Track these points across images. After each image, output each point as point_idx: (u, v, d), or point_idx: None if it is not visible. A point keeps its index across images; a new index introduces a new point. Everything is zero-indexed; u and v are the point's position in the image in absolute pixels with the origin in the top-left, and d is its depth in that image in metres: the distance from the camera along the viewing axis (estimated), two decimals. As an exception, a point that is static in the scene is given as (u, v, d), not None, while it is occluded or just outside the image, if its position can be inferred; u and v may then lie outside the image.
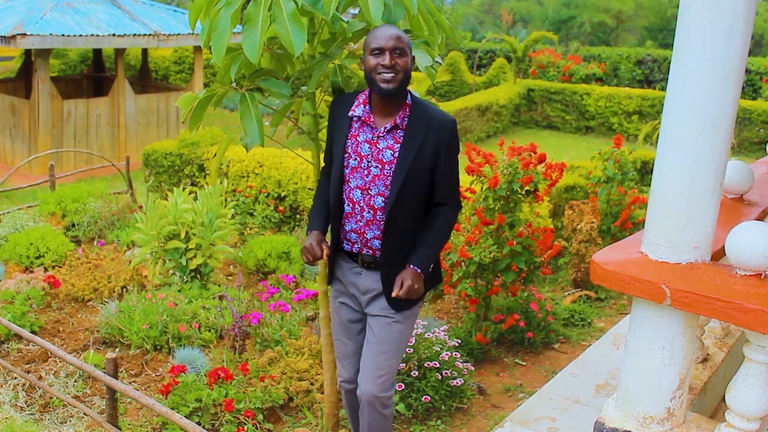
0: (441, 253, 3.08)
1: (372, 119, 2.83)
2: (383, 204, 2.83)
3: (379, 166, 2.82)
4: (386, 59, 2.69)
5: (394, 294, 2.82)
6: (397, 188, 2.79)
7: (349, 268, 3.01)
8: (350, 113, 2.86)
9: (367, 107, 2.84)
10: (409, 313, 2.98)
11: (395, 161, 2.80)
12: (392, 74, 2.70)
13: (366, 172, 2.84)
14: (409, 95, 2.84)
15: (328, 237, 3.06)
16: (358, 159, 2.84)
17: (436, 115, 2.82)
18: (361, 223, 2.89)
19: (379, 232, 2.87)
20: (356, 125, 2.86)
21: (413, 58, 2.82)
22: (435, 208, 2.92)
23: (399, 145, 2.80)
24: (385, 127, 2.80)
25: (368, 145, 2.83)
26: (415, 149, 2.77)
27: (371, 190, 2.84)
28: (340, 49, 3.11)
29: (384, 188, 2.82)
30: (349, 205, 2.90)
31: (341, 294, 3.09)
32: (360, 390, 2.98)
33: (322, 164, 3.16)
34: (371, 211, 2.86)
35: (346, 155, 2.87)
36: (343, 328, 3.12)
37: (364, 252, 2.93)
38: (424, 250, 2.88)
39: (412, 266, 2.86)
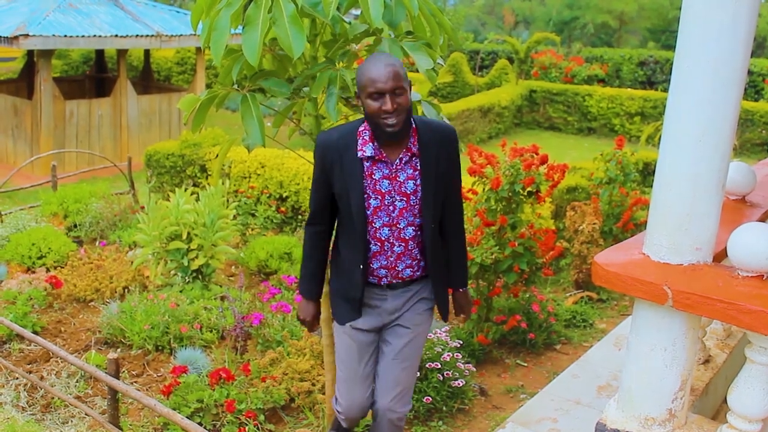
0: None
1: (385, 155, 2.67)
2: (414, 233, 2.76)
3: (404, 198, 2.70)
4: (388, 104, 2.53)
5: (463, 319, 3.11)
6: (430, 215, 2.73)
7: (370, 294, 2.86)
8: (359, 154, 2.67)
9: (376, 143, 2.66)
10: (428, 324, 2.99)
11: (420, 189, 2.70)
12: (396, 118, 2.56)
13: (391, 208, 2.71)
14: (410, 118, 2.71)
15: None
16: (380, 197, 2.70)
17: (440, 129, 2.76)
18: (392, 258, 2.78)
19: (411, 261, 2.80)
20: (368, 164, 2.68)
21: (410, 83, 2.64)
22: (449, 222, 2.87)
23: (418, 172, 2.69)
24: (402, 159, 2.67)
25: (388, 181, 2.69)
26: (434, 171, 2.70)
27: (400, 224, 2.73)
28: (345, 54, 3.11)
29: (413, 218, 2.73)
30: (376, 245, 2.76)
31: (366, 321, 2.89)
32: (378, 406, 2.91)
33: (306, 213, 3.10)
34: (402, 244, 2.76)
35: (366, 196, 2.69)
36: (353, 352, 2.91)
37: (394, 282, 2.84)
38: (462, 269, 3.00)
39: (461, 290, 3.03)
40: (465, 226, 3.07)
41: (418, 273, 2.84)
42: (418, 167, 2.70)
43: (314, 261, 2.94)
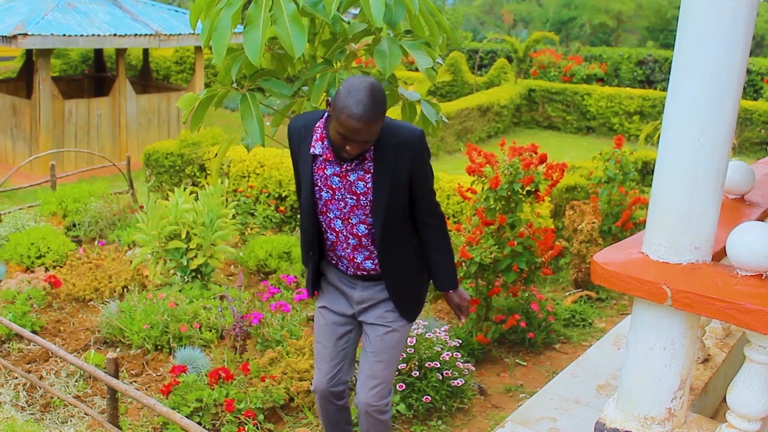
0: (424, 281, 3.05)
1: (332, 156, 2.67)
2: (367, 231, 2.78)
3: (354, 197, 2.72)
4: (353, 149, 2.54)
5: (462, 322, 3.04)
6: (381, 220, 2.71)
7: (342, 280, 2.94)
8: (311, 150, 2.70)
9: (326, 143, 2.66)
10: (405, 321, 2.97)
11: (370, 192, 2.69)
12: (354, 155, 2.58)
13: (342, 204, 2.74)
14: None
15: None
16: (331, 192, 2.74)
17: (404, 134, 2.66)
18: (348, 250, 2.84)
19: (368, 253, 2.83)
20: (320, 159, 2.71)
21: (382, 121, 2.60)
22: (424, 227, 2.86)
23: (370, 175, 2.68)
24: (352, 162, 2.67)
25: (338, 178, 2.70)
26: (390, 177, 2.65)
27: (351, 219, 2.76)
28: (343, 53, 3.11)
29: (364, 216, 2.74)
30: (332, 234, 2.83)
31: (329, 297, 3.02)
32: (357, 399, 2.96)
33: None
34: (356, 238, 2.80)
35: (317, 188, 2.75)
36: (325, 330, 3.02)
37: (358, 273, 2.89)
38: (449, 269, 2.97)
39: (451, 291, 2.99)
40: (464, 225, 3.07)
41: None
42: (371, 170, 2.68)
43: (305, 232, 2.99)
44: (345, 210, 2.75)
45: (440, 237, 2.90)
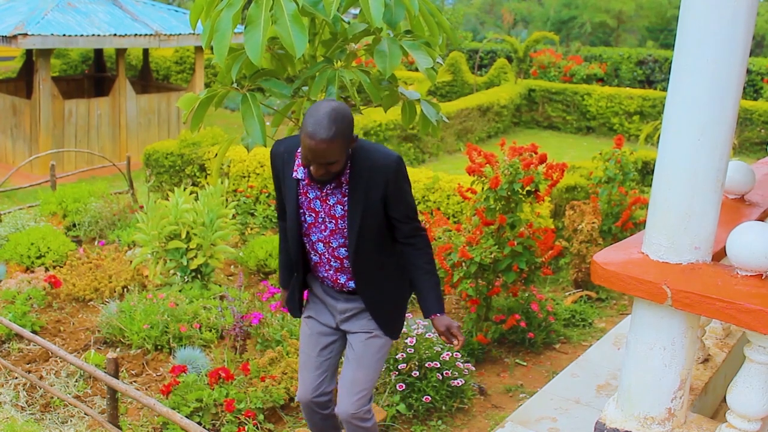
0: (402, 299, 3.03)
1: (312, 182, 2.73)
2: (347, 254, 2.82)
3: (333, 221, 2.78)
4: (317, 171, 2.59)
5: (457, 347, 2.93)
6: (354, 242, 2.76)
7: (327, 292, 2.99)
8: (293, 174, 2.77)
9: (307, 170, 2.72)
10: (389, 337, 3.00)
11: (346, 216, 2.75)
12: (324, 176, 2.62)
13: (323, 227, 2.81)
14: None
15: None
16: (314, 215, 2.80)
17: (378, 159, 2.70)
18: (330, 272, 2.90)
19: (351, 275, 2.88)
20: (303, 183, 2.78)
21: (354, 138, 2.63)
22: (407, 248, 2.87)
23: (347, 199, 2.73)
24: (330, 185, 2.73)
25: (319, 202, 2.77)
26: (363, 201, 2.71)
27: (332, 243, 2.82)
28: (343, 53, 3.11)
29: (343, 239, 2.80)
30: (315, 255, 2.89)
31: (315, 308, 3.06)
32: (338, 408, 2.98)
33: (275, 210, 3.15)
34: (338, 261, 2.85)
35: (301, 211, 2.82)
36: (310, 340, 3.06)
37: (343, 291, 2.94)
38: (434, 292, 2.90)
39: (438, 315, 2.90)
40: (464, 226, 3.07)
41: None
42: (347, 194, 2.73)
43: (285, 253, 3.07)
44: (326, 233, 2.82)
45: (423, 258, 2.89)
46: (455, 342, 2.89)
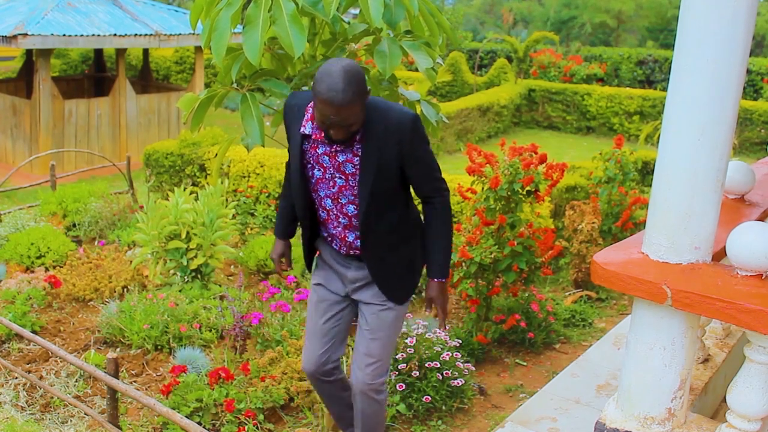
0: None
1: (322, 137, 2.68)
2: (356, 211, 2.78)
3: (343, 177, 2.73)
4: (336, 132, 2.55)
5: (439, 321, 2.87)
6: (366, 201, 2.70)
7: (336, 259, 2.96)
8: (301, 129, 2.72)
9: (316, 124, 2.66)
10: (393, 302, 2.94)
11: (357, 174, 2.70)
12: (341, 137, 2.58)
13: (331, 183, 2.76)
14: None
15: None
16: (322, 170, 2.76)
17: (393, 117, 2.64)
18: (339, 228, 2.86)
19: (359, 233, 2.83)
20: (311, 138, 2.73)
21: (368, 92, 2.57)
22: (424, 205, 2.83)
23: (358, 158, 2.68)
24: (342, 143, 2.68)
25: (328, 158, 2.72)
26: (376, 160, 2.65)
27: (341, 199, 2.78)
28: (343, 53, 3.11)
29: (353, 197, 2.75)
30: (323, 212, 2.86)
31: (324, 275, 3.02)
32: (353, 378, 2.95)
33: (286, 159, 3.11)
34: (346, 218, 2.82)
35: (309, 165, 2.78)
36: (319, 307, 3.02)
37: (351, 253, 2.89)
38: (437, 256, 2.83)
39: (435, 280, 2.84)
40: (464, 225, 3.05)
41: None
42: (359, 152, 2.68)
43: (289, 201, 3.06)
44: (334, 189, 2.77)
45: (438, 219, 2.83)
46: (432, 314, 2.83)
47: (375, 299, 2.91)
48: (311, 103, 2.71)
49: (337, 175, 2.74)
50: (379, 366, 2.92)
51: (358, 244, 2.85)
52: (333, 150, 2.71)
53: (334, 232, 2.88)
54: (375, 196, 2.71)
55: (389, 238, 2.83)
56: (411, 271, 2.95)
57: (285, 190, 3.12)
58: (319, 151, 2.74)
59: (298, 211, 2.92)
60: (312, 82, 2.53)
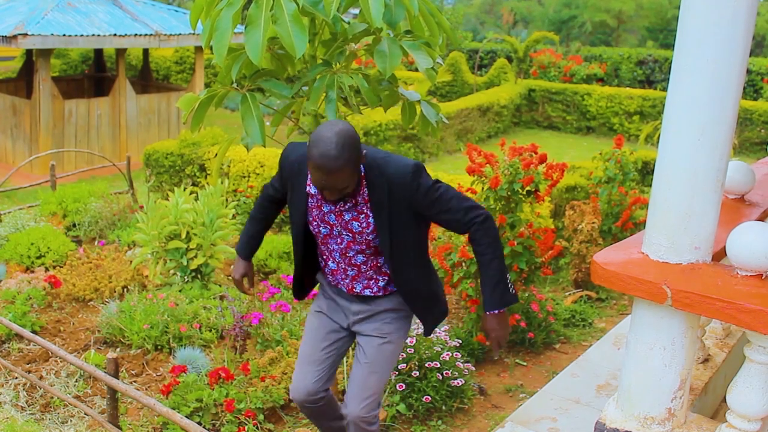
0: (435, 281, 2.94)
1: (326, 198, 2.66)
2: (366, 259, 2.80)
3: (350, 234, 2.75)
4: (329, 195, 2.56)
5: (497, 354, 2.84)
6: (389, 252, 2.72)
7: (340, 294, 2.96)
8: (306, 188, 2.73)
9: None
10: (402, 332, 2.97)
11: (365, 230, 2.71)
12: (334, 196, 2.58)
13: (339, 239, 2.78)
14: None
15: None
16: (329, 227, 2.77)
17: (393, 173, 2.63)
18: (347, 280, 2.87)
19: (368, 282, 2.85)
20: (316, 197, 2.75)
21: (363, 156, 2.56)
22: (469, 230, 2.72)
23: (364, 216, 2.70)
24: (345, 204, 2.69)
25: (334, 216, 2.74)
26: (387, 217, 2.65)
27: (349, 253, 2.80)
28: (343, 54, 3.11)
29: (361, 249, 2.77)
30: (333, 263, 2.87)
31: (327, 304, 3.03)
32: (348, 410, 2.94)
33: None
34: (354, 269, 2.84)
35: (315, 223, 2.79)
36: (318, 333, 3.01)
37: (355, 295, 2.92)
38: (486, 288, 2.72)
39: (489, 313, 2.73)
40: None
41: (380, 293, 2.88)
42: (364, 211, 2.70)
43: (256, 223, 3.09)
44: (342, 245, 2.79)
45: (481, 248, 2.69)
46: (494, 349, 2.79)
47: (376, 332, 2.91)
48: None
49: (345, 233, 2.75)
50: (374, 400, 2.94)
51: (366, 293, 2.88)
52: (338, 209, 2.71)
53: (341, 282, 2.90)
54: (398, 250, 2.72)
55: (416, 274, 2.83)
56: (437, 302, 2.97)
57: (257, 213, 3.09)
58: (324, 209, 2.74)
59: (295, 256, 2.95)
60: (308, 144, 2.53)
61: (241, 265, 3.12)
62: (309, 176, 2.70)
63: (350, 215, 2.71)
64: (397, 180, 2.63)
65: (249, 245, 3.13)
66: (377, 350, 2.90)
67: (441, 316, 2.99)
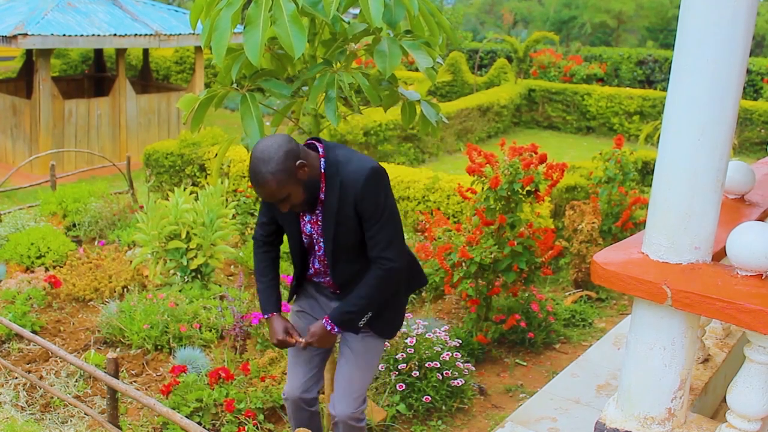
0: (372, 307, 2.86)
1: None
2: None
3: (323, 240, 2.80)
4: (281, 207, 2.62)
5: (303, 342, 2.84)
6: (331, 261, 2.80)
7: (321, 291, 3.02)
8: None
9: None
10: (383, 325, 2.98)
11: (321, 231, 2.77)
12: (285, 208, 2.63)
13: (317, 248, 2.85)
14: (321, 162, 2.66)
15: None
16: (308, 238, 2.85)
17: (348, 172, 2.64)
18: (327, 278, 2.94)
19: (335, 285, 2.93)
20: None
21: (301, 165, 2.56)
22: (372, 263, 2.75)
23: (319, 218, 2.76)
24: (315, 212, 2.77)
25: (310, 225, 2.82)
26: (334, 215, 2.69)
27: (326, 261, 2.86)
28: (343, 54, 3.11)
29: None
30: (312, 269, 2.95)
31: (308, 303, 3.07)
32: (335, 410, 2.96)
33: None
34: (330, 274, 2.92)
35: (301, 235, 2.85)
36: (303, 333, 3.02)
37: (336, 294, 2.97)
38: (343, 308, 2.79)
39: (323, 321, 2.82)
40: (464, 226, 3.05)
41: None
42: (320, 213, 2.76)
43: (266, 274, 2.99)
44: (320, 254, 2.85)
45: (369, 283, 2.75)
46: (306, 339, 2.84)
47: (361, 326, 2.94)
48: None
49: (321, 240, 2.80)
50: (360, 396, 2.98)
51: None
52: (314, 216, 2.77)
53: (322, 282, 2.97)
54: (339, 251, 2.76)
55: (354, 271, 2.83)
56: (396, 308, 2.99)
57: (261, 264, 2.98)
58: (306, 219, 2.83)
59: (294, 264, 2.97)
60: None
61: (277, 322, 2.90)
62: None
63: (309, 217, 2.79)
64: (350, 179, 2.64)
65: (272, 298, 2.96)
66: (361, 343, 2.95)
67: (396, 325, 3.01)
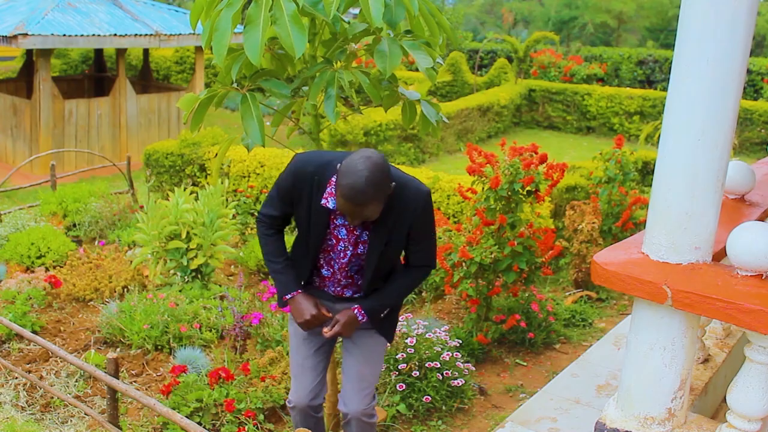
0: (397, 305, 3.04)
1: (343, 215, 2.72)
2: (358, 270, 2.89)
3: (353, 248, 2.83)
4: (352, 221, 2.62)
5: (326, 331, 2.83)
6: (372, 270, 2.82)
7: (323, 297, 2.99)
8: (323, 202, 2.72)
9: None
10: (388, 324, 3.02)
11: (367, 247, 2.79)
12: (357, 223, 2.66)
13: (343, 254, 2.84)
14: None
15: None
16: (335, 241, 2.83)
17: (407, 196, 2.70)
18: (338, 288, 2.94)
19: (357, 289, 2.93)
20: (332, 211, 2.77)
21: (390, 187, 2.59)
22: (409, 268, 2.92)
23: (368, 232, 2.78)
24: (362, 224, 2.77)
25: (345, 230, 2.80)
26: (386, 235, 2.74)
27: (348, 266, 2.87)
28: (343, 54, 3.10)
29: (361, 263, 2.86)
30: (327, 270, 2.91)
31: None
32: (347, 407, 2.97)
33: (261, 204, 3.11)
34: (349, 280, 2.91)
35: (325, 237, 2.82)
36: (307, 341, 3.02)
37: (342, 297, 2.96)
38: (377, 301, 2.87)
39: (356, 310, 2.84)
40: (464, 226, 3.07)
41: (363, 294, 2.96)
42: (370, 227, 2.77)
43: (283, 255, 2.94)
44: (344, 260, 2.85)
45: (410, 278, 2.91)
46: (328, 329, 2.83)
47: (364, 324, 2.94)
48: (333, 177, 2.71)
49: (350, 248, 2.82)
50: (371, 391, 3.02)
51: (354, 296, 2.94)
52: (348, 223, 2.77)
53: (332, 289, 2.94)
54: (381, 265, 2.82)
55: (382, 280, 2.93)
56: (397, 311, 3.07)
57: (271, 244, 2.93)
58: (338, 222, 2.80)
59: (305, 260, 2.91)
60: (338, 171, 2.54)
61: (305, 300, 2.84)
62: (327, 191, 2.72)
63: (360, 229, 2.79)
64: (410, 203, 2.71)
65: (291, 277, 2.89)
66: (368, 340, 2.97)
67: (394, 325, 3.08)
